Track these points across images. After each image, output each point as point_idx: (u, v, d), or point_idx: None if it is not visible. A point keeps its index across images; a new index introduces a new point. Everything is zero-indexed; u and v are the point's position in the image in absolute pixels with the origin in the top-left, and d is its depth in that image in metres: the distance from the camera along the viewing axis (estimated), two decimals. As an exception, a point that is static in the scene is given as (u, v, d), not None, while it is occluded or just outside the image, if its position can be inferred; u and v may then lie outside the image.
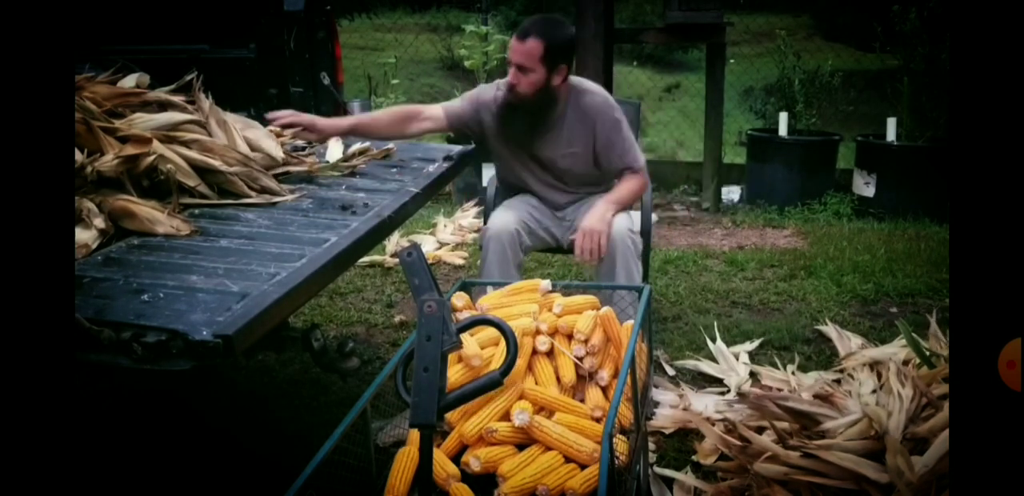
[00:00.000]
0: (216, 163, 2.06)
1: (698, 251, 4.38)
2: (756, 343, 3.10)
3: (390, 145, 2.71)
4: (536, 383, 1.85)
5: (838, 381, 2.68)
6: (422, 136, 2.95)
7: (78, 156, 1.87)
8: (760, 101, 7.03)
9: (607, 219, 2.61)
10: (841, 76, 5.51)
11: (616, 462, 1.60)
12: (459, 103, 2.83)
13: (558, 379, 1.87)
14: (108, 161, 1.89)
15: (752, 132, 5.66)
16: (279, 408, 2.70)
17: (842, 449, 1.99)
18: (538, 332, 1.92)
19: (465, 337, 1.61)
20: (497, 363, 1.79)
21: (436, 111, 2.80)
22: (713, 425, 2.32)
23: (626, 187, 2.76)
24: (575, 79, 2.76)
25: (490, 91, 2.79)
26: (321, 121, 2.59)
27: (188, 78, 2.39)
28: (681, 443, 2.43)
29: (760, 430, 2.23)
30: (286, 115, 2.55)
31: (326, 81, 3.04)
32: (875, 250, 4.24)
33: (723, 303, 3.60)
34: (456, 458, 1.70)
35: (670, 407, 2.60)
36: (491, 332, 1.87)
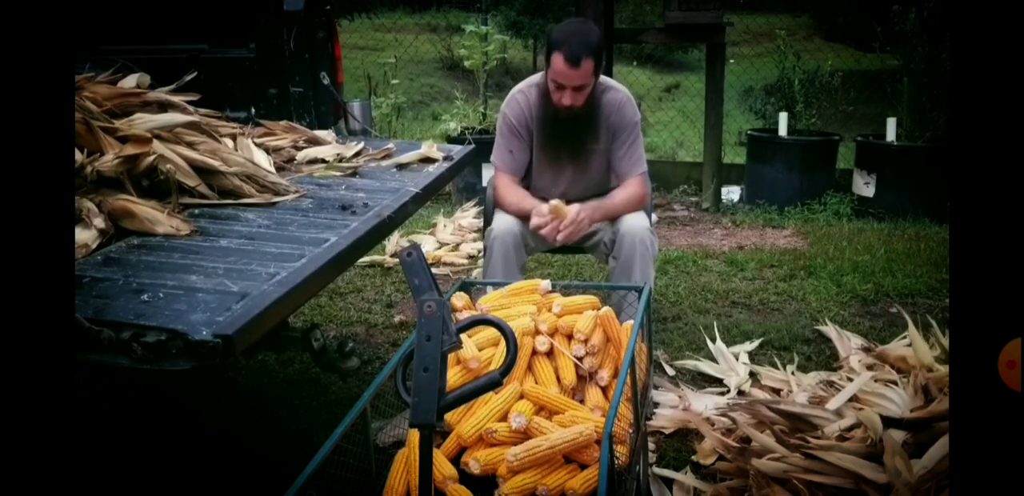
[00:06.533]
0: (216, 163, 2.06)
1: (698, 251, 4.37)
2: (756, 343, 3.09)
3: (390, 145, 2.71)
4: (536, 383, 1.85)
5: (831, 383, 2.67)
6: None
7: (78, 156, 1.87)
8: (760, 101, 7.03)
9: (584, 221, 2.60)
10: (841, 76, 5.50)
11: (616, 462, 1.60)
12: (509, 156, 2.86)
13: (558, 379, 1.87)
14: (108, 161, 1.89)
15: (752, 132, 5.65)
16: (279, 408, 2.69)
17: (841, 450, 1.99)
18: (538, 332, 1.92)
19: (463, 339, 1.61)
20: (497, 363, 1.79)
21: (513, 178, 2.86)
22: (713, 426, 2.32)
23: (623, 197, 2.80)
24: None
25: (518, 111, 2.81)
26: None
27: (188, 78, 2.39)
28: (681, 443, 2.43)
29: (760, 430, 2.22)
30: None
31: (326, 81, 3.04)
32: (875, 250, 4.24)
33: (723, 303, 3.60)
34: (455, 459, 1.70)
35: (670, 407, 2.60)
36: (491, 332, 1.87)
